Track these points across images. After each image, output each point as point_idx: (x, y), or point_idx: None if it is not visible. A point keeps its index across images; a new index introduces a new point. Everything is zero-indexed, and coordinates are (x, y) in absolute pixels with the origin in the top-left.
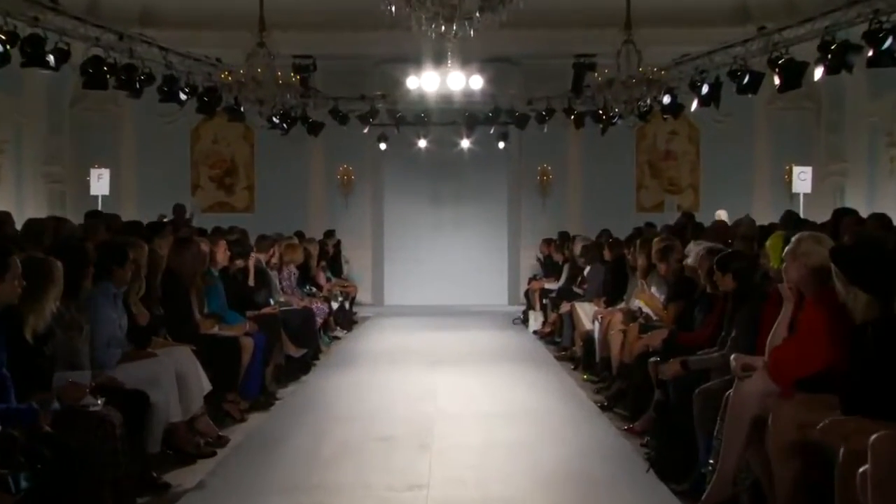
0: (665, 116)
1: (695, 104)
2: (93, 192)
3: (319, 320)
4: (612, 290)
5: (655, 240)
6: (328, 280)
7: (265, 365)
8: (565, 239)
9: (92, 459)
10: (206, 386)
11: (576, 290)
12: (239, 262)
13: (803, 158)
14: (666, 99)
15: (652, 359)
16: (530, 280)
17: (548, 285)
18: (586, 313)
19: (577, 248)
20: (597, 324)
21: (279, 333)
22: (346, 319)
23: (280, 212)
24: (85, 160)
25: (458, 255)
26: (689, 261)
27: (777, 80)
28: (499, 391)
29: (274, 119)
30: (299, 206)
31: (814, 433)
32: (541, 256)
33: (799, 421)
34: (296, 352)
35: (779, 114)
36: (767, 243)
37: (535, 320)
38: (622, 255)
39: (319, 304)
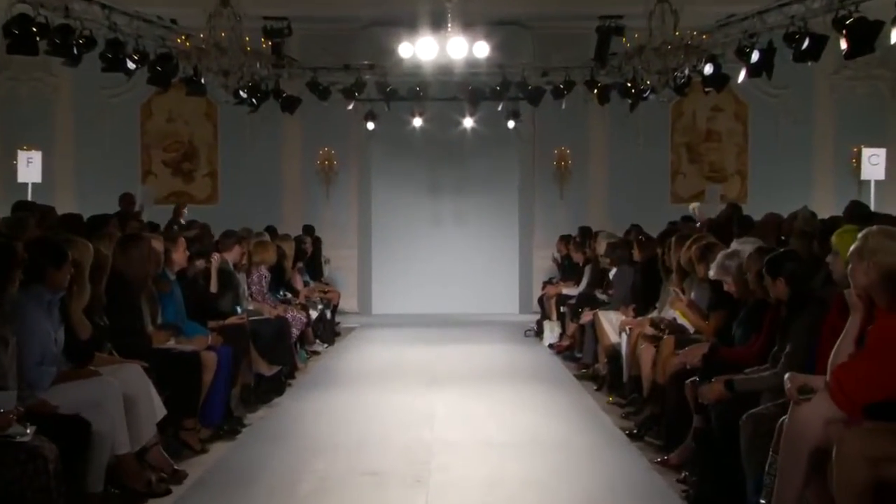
0: (707, 90)
1: (742, 75)
2: (21, 178)
3: (295, 332)
4: (643, 297)
5: (694, 237)
6: (306, 284)
7: (231, 385)
8: (587, 236)
9: (20, 500)
10: (160, 411)
11: (599, 296)
12: (199, 263)
13: (875, 139)
14: (708, 69)
15: (690, 379)
16: (545, 284)
17: (566, 290)
18: (612, 324)
19: (601, 247)
20: (624, 336)
21: (247, 348)
22: (328, 331)
23: (248, 204)
24: (11, 141)
25: (460, 255)
26: (712, 273)
27: (844, 45)
28: (507, 417)
29: (241, 93)
30: (271, 197)
31: (888, 469)
32: (558, 256)
33: (869, 454)
34: (267, 369)
35: (846, 85)
36: (834, 240)
37: (551, 332)
38: (654, 255)
39: (295, 313)
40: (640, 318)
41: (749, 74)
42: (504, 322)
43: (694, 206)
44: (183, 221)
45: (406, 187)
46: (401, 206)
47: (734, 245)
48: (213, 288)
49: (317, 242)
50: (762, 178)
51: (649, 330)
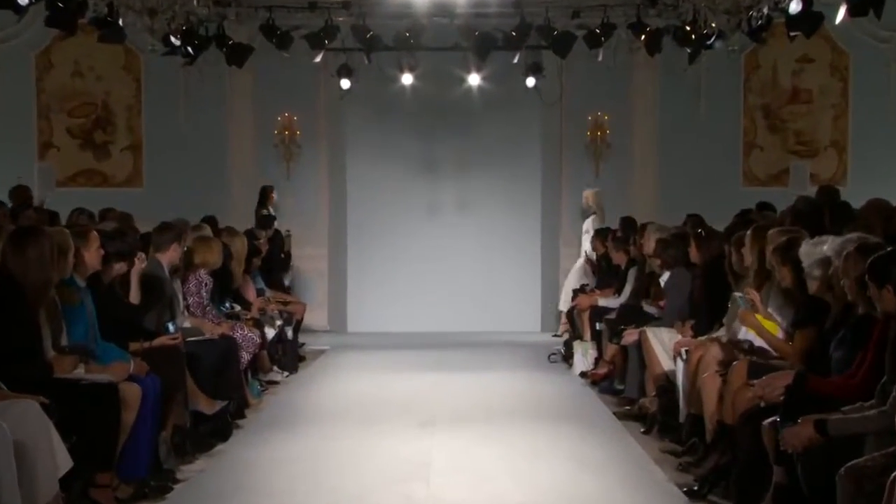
0: (792, 34)
1: (841, 13)
2: None
3: (247, 356)
4: (705, 310)
5: (773, 231)
6: (260, 294)
7: (159, 427)
8: (630, 229)
9: None
10: (65, 462)
11: (647, 308)
12: (119, 267)
13: None
14: (794, 5)
15: (769, 419)
16: (576, 293)
17: (603, 301)
18: (663, 345)
19: (650, 244)
20: (680, 362)
21: (182, 377)
22: (289, 355)
23: (183, 187)
24: None
25: (463, 254)
26: (815, 271)
27: None
28: (525, 469)
29: (172, 39)
30: (214, 179)
31: None
32: (592, 256)
33: None
34: (208, 406)
35: None
36: None
37: (584, 356)
38: (720, 255)
39: (246, 332)
40: (701, 338)
41: (850, 13)
42: (522, 343)
43: (587, 193)
44: (272, 210)
45: (392, 166)
46: (386, 190)
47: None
48: (136, 299)
49: (276, 238)
50: (866, 153)
51: (714, 353)
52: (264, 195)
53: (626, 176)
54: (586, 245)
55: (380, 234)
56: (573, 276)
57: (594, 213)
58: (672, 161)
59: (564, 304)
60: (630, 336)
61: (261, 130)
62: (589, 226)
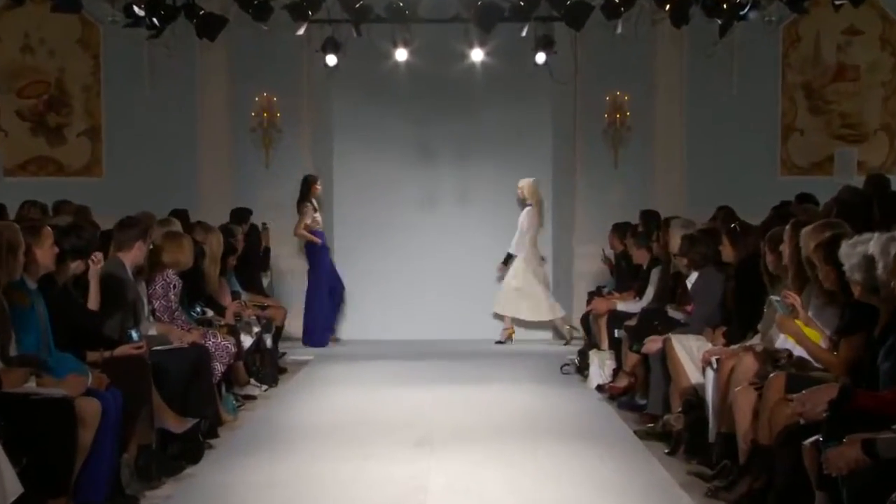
0: (837, 3)
1: None
2: None
3: (220, 367)
4: (738, 315)
5: (813, 226)
6: (236, 297)
7: (121, 448)
8: (653, 224)
9: None
10: (14, 487)
11: (672, 313)
12: (75, 266)
13: None
14: None
15: (811, 438)
16: (592, 296)
17: (622, 305)
18: (691, 355)
19: (675, 241)
20: (710, 374)
21: (147, 391)
22: (268, 366)
23: (147, 177)
24: None
25: (465, 253)
26: (856, 274)
27: None
28: (535, 494)
29: (135, 9)
30: (184, 167)
31: None
32: (610, 255)
33: None
34: (177, 424)
35: None
36: None
37: (601, 367)
38: (755, 254)
39: (220, 340)
40: (733, 347)
41: None
42: (531, 353)
43: (523, 183)
44: (315, 204)
45: (385, 153)
46: (377, 180)
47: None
48: (95, 303)
49: (253, 234)
50: None
51: (748, 364)
52: (307, 187)
53: (649, 164)
54: (519, 248)
55: (371, 229)
56: (519, 279)
57: (530, 205)
58: (701, 147)
59: (504, 307)
60: (653, 344)
61: (236, 113)
62: (524, 220)
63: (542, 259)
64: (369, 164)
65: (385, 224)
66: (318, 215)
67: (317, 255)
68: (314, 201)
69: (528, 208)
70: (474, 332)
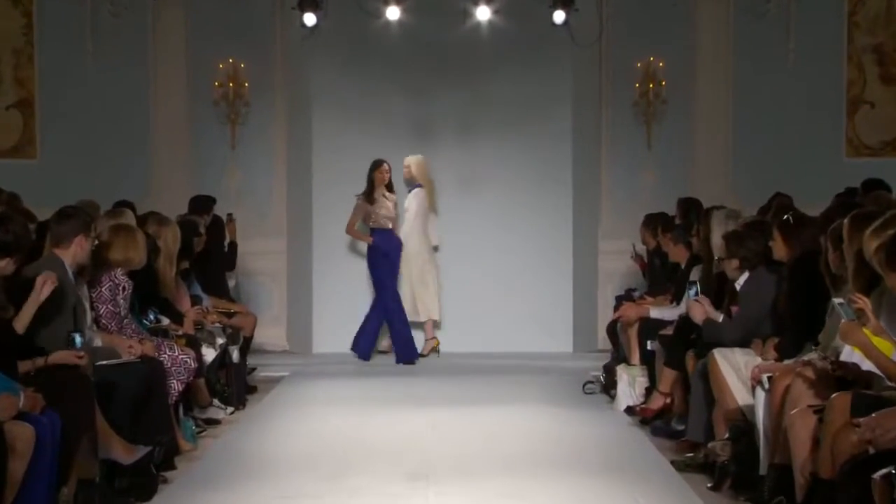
0: None
1: None
2: None
3: (178, 385)
4: (794, 323)
5: (875, 224)
6: (196, 302)
7: (59, 481)
8: (693, 216)
9: None
10: None
11: (711, 312)
12: (3, 266)
13: None
14: None
15: (882, 471)
16: (620, 301)
17: (656, 312)
18: (738, 370)
19: (718, 236)
20: (761, 394)
21: (91, 414)
22: (235, 384)
23: (90, 159)
24: None
25: (468, 250)
26: None
27: None
28: None
29: None
30: (134, 148)
31: None
32: (642, 251)
33: None
34: (126, 454)
35: None
36: None
37: (631, 385)
38: (814, 251)
39: (177, 353)
40: (788, 361)
41: None
42: (548, 368)
43: (410, 161)
44: (385, 194)
45: (373, 131)
46: (364, 163)
47: None
48: (23, 325)
49: (216, 227)
50: None
51: (807, 381)
52: (371, 173)
53: (688, 143)
54: (409, 236)
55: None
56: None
57: (419, 185)
58: (750, 124)
59: (425, 313)
60: (693, 359)
61: (196, 83)
62: (412, 203)
63: (435, 248)
64: (355, 146)
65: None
66: (386, 206)
67: (377, 256)
68: (384, 193)
69: (416, 189)
70: (478, 343)
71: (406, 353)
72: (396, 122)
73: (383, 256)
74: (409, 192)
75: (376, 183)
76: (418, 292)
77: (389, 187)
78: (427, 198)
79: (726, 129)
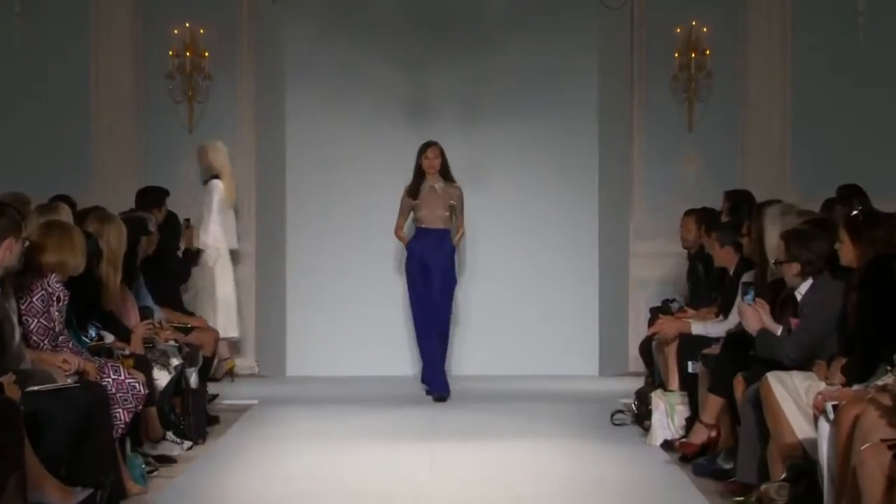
0: None
1: None
2: None
3: (124, 416)
4: (863, 342)
5: None
6: (146, 316)
7: None
8: (744, 211)
9: None
10: None
11: (768, 321)
12: None
13: None
14: None
15: None
16: (656, 313)
17: (698, 327)
18: (797, 398)
19: (774, 236)
20: (825, 426)
21: (19, 450)
22: (193, 413)
23: (21, 145)
24: None
25: (473, 255)
26: None
27: None
28: None
29: None
30: (71, 133)
31: None
32: (688, 250)
33: None
34: (61, 497)
35: None
36: None
37: (669, 415)
38: (890, 256)
39: (124, 376)
40: (857, 388)
41: None
42: (568, 394)
43: (206, 147)
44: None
45: (359, 110)
46: (348, 151)
47: None
48: None
49: (171, 226)
50: None
51: (880, 411)
52: (419, 156)
53: (738, 125)
54: (213, 239)
55: (338, 223)
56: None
57: (216, 177)
58: (813, 102)
59: (223, 329)
60: (743, 384)
61: (146, 53)
62: (213, 197)
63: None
64: (336, 128)
65: (360, 215)
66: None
67: (408, 261)
68: (430, 181)
69: (214, 181)
70: (485, 366)
71: (435, 385)
72: (387, 101)
73: (418, 255)
74: (204, 183)
75: (425, 171)
76: (217, 304)
77: (446, 177)
78: (227, 196)
79: (783, 107)
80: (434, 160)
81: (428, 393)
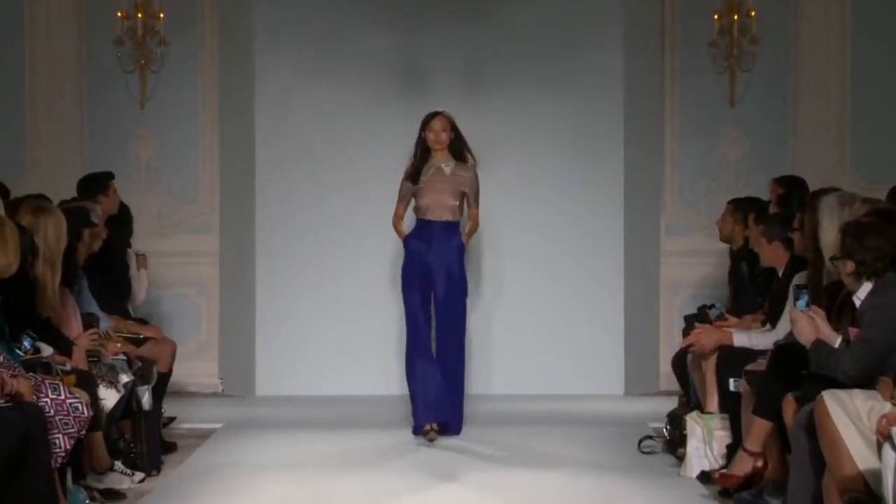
0: None
1: None
2: None
3: (65, 442)
4: None
5: None
6: (90, 325)
7: None
8: (796, 202)
9: None
10: None
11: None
12: None
13: None
14: None
15: None
16: (692, 321)
17: (741, 338)
18: (857, 421)
19: (830, 231)
20: (889, 452)
21: None
22: (146, 438)
23: None
24: None
25: (476, 252)
26: None
27: None
28: None
29: None
30: (3, 109)
31: None
32: (732, 248)
33: None
34: None
35: None
36: None
37: (706, 441)
38: None
39: (65, 395)
40: None
41: None
42: (590, 417)
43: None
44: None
45: (344, 86)
46: (330, 135)
47: None
48: None
49: (123, 217)
50: None
51: None
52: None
53: (787, 102)
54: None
55: (319, 216)
56: None
57: None
58: (875, 74)
59: None
60: (794, 405)
61: (90, 14)
62: None
63: (141, 255)
64: (315, 107)
65: (343, 212)
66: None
67: (405, 262)
68: (436, 160)
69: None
70: (494, 384)
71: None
72: (375, 68)
73: (416, 254)
74: None
75: (429, 151)
76: None
77: (458, 156)
78: None
79: (842, 80)
80: (441, 133)
81: (415, 432)
